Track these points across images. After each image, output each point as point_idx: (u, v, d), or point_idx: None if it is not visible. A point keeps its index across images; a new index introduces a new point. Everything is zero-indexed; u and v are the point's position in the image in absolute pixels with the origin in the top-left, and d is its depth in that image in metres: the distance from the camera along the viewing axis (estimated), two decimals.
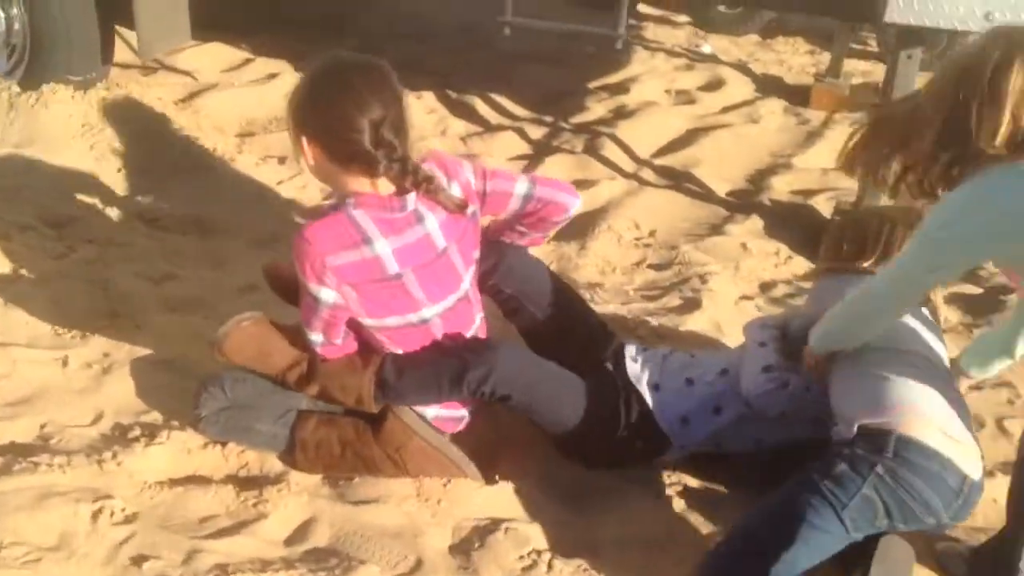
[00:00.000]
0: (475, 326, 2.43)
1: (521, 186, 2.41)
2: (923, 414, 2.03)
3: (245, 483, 2.31)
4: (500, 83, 5.45)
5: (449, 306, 2.32)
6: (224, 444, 2.38)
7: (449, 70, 5.57)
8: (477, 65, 5.82)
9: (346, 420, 2.37)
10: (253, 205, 3.76)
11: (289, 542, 2.16)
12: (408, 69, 5.39)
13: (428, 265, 2.24)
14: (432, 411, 2.38)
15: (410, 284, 2.23)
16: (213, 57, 5.17)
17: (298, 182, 3.97)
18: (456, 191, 2.29)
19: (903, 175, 2.10)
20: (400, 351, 2.32)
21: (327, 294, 2.17)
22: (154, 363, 2.64)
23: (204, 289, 3.09)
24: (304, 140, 2.18)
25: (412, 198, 2.19)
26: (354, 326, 2.30)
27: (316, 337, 2.27)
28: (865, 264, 2.59)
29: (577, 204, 2.48)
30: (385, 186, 2.19)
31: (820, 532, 1.99)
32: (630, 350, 2.52)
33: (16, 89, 4.00)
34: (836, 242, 2.72)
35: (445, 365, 2.29)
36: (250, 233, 3.54)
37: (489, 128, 4.89)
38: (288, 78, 5.04)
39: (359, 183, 2.18)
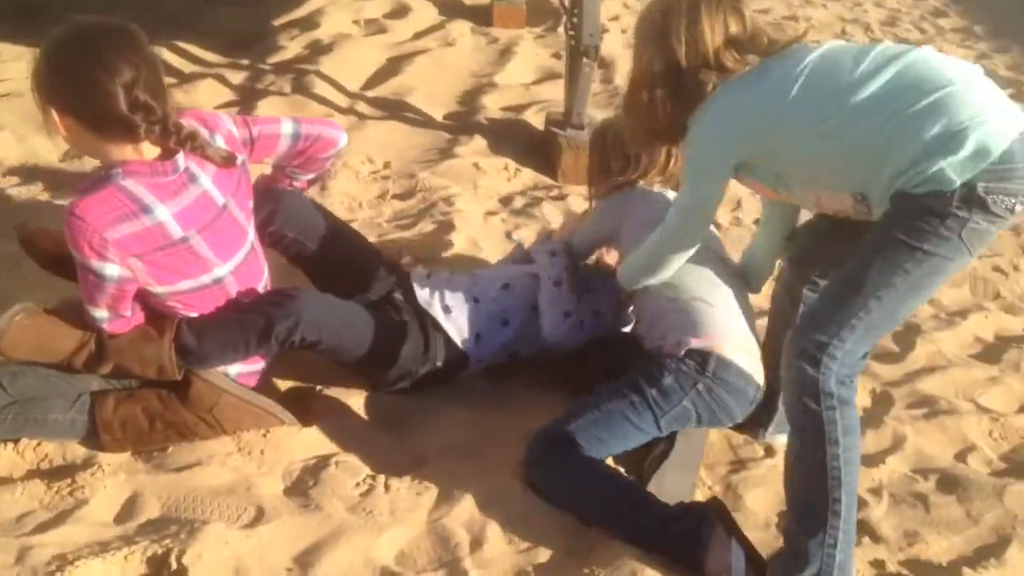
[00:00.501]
0: (264, 277, 2.43)
1: (287, 126, 2.41)
2: (735, 334, 2.37)
3: (52, 475, 2.18)
4: (185, 31, 5.19)
5: (239, 261, 2.30)
6: (16, 441, 2.22)
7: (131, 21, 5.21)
8: (158, 13, 5.49)
9: (147, 392, 2.29)
10: None
11: (120, 520, 2.09)
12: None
13: (212, 224, 2.20)
14: (235, 369, 2.36)
15: (198, 246, 2.18)
16: None
17: None
18: (220, 143, 2.25)
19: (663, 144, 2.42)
20: (195, 315, 2.27)
21: (112, 269, 2.08)
22: None
23: None
24: (54, 112, 2.05)
25: (181, 158, 2.14)
26: (141, 295, 2.22)
27: (101, 314, 2.17)
28: (635, 175, 2.71)
29: (344, 138, 2.52)
30: (150, 150, 2.12)
31: (636, 430, 2.32)
32: (417, 277, 2.63)
33: None
34: (603, 160, 2.78)
35: (249, 321, 2.27)
36: None
37: (187, 78, 4.65)
38: None
39: (122, 151, 2.09)
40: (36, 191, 3.40)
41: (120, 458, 2.26)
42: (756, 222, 3.39)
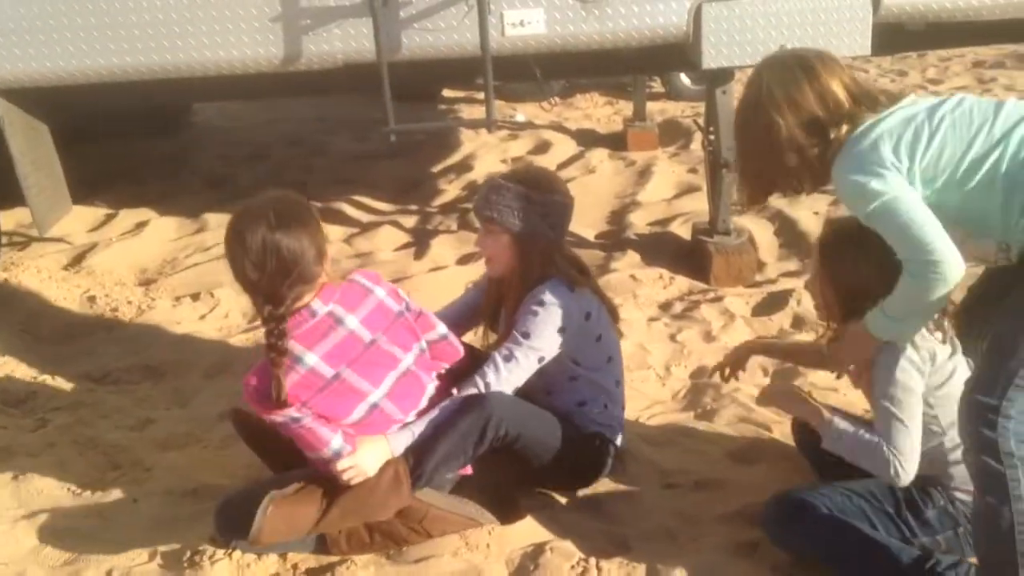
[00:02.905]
0: (424, 398, 2.66)
1: (441, 328, 2.70)
2: None
3: (313, 572, 2.54)
4: (354, 185, 5.84)
5: (391, 384, 2.54)
6: (282, 555, 2.60)
7: (302, 181, 5.91)
8: (323, 172, 6.19)
9: None
10: (188, 343, 3.94)
11: None
12: (264, 188, 5.78)
13: (359, 357, 2.47)
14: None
15: (350, 378, 2.46)
16: (74, 219, 5.26)
17: (219, 312, 4.19)
18: (383, 294, 2.54)
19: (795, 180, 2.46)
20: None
21: (292, 413, 2.37)
22: (180, 495, 2.82)
23: (185, 424, 3.27)
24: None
25: (317, 304, 2.40)
26: None
27: (337, 444, 2.44)
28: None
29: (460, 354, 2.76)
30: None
31: (872, 529, 2.38)
32: None
33: None
34: (850, 269, 2.42)
35: (463, 430, 2.54)
36: (198, 368, 3.73)
37: (366, 227, 5.25)
38: (157, 223, 5.25)
39: None
40: (260, 336, 3.93)
41: (367, 555, 2.61)
42: None
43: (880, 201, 2.15)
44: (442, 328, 2.70)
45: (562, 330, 2.68)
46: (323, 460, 2.46)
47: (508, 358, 2.67)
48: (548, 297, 2.68)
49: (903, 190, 2.14)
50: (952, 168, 2.14)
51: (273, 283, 2.31)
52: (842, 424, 2.42)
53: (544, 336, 2.67)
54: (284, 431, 2.44)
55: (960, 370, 2.36)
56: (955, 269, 2.11)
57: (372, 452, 2.49)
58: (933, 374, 2.34)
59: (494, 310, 2.91)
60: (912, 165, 2.16)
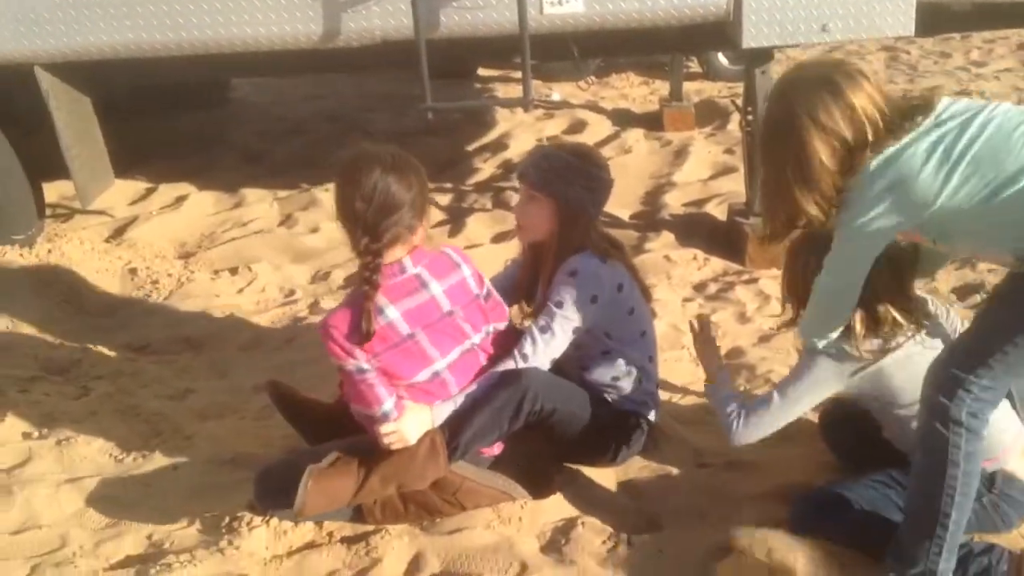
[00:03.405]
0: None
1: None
2: (1015, 444, 2.48)
3: (349, 540, 2.59)
4: None
5: (455, 358, 2.60)
6: (319, 523, 2.65)
7: (337, 159, 5.92)
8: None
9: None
10: (226, 315, 4.00)
11: (409, 574, 2.46)
12: (301, 164, 5.87)
13: (435, 324, 2.54)
14: None
15: (422, 341, 2.52)
16: (116, 192, 5.34)
17: (256, 286, 4.25)
18: (468, 273, 2.63)
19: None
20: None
21: (364, 363, 2.44)
22: (218, 464, 2.88)
23: (224, 395, 3.33)
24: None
25: (408, 261, 2.50)
26: None
27: (387, 406, 2.50)
28: None
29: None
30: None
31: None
32: None
33: None
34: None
35: (500, 404, 2.57)
36: (235, 341, 3.79)
37: None
38: (195, 197, 5.32)
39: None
40: (296, 310, 3.98)
41: (402, 524, 2.65)
42: None
43: (833, 266, 2.30)
44: (510, 323, 2.77)
45: (595, 299, 2.70)
46: (370, 418, 2.52)
47: (544, 329, 2.69)
48: (581, 267, 2.70)
49: (863, 264, 2.26)
50: (979, 190, 2.07)
51: (376, 218, 2.41)
52: (724, 384, 2.68)
53: (577, 305, 2.68)
54: (346, 380, 2.52)
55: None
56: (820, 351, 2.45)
57: (416, 420, 2.53)
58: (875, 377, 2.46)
59: (530, 283, 2.93)
60: (935, 200, 2.08)
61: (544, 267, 2.83)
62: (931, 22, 4.11)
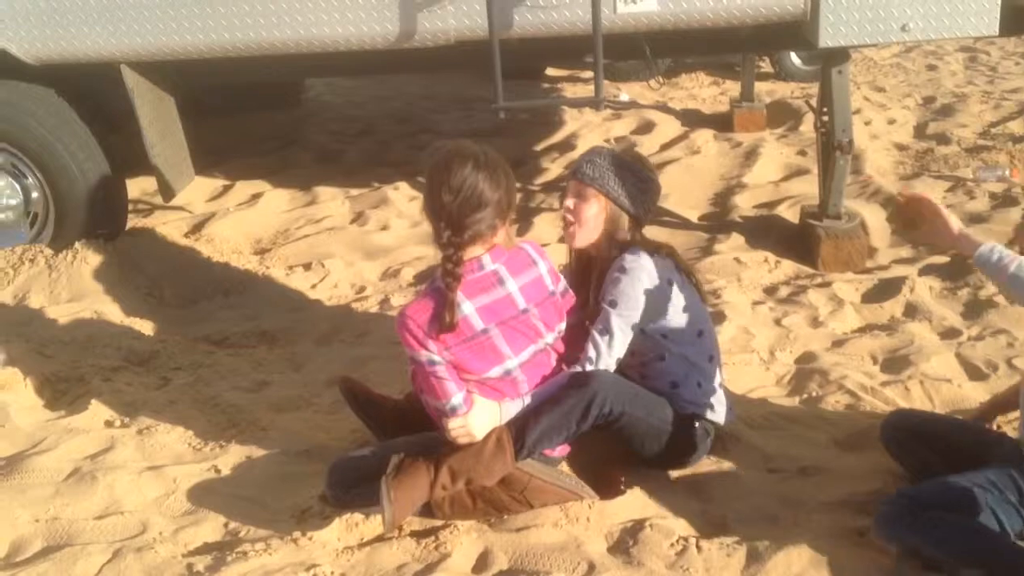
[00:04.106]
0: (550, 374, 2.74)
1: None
2: None
3: (419, 534, 2.62)
4: None
5: (527, 357, 2.62)
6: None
7: (407, 159, 6.02)
8: (428, 149, 6.28)
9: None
10: (300, 310, 4.08)
11: (477, 570, 2.48)
12: (372, 163, 5.96)
13: (509, 321, 2.57)
14: None
15: (496, 338, 2.55)
16: (195, 189, 5.49)
17: (329, 282, 4.33)
18: (545, 270, 2.67)
19: None
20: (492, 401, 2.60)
21: (436, 355, 2.48)
22: (292, 455, 2.94)
23: (299, 388, 3.40)
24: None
25: (487, 259, 2.54)
26: None
27: (457, 399, 2.54)
28: None
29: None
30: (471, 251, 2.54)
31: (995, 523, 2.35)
32: None
33: (48, 251, 4.26)
34: None
35: (569, 406, 2.60)
36: (309, 335, 3.87)
37: None
38: (270, 195, 5.43)
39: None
40: (368, 306, 4.05)
41: (470, 520, 2.68)
42: None
43: None
44: (579, 318, 2.78)
45: (647, 292, 2.71)
46: (439, 411, 2.55)
47: (603, 332, 2.71)
48: (629, 263, 2.72)
49: None
50: None
51: (461, 212, 2.45)
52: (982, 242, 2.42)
53: (631, 300, 2.70)
54: (418, 372, 2.56)
55: None
56: None
57: (484, 416, 2.56)
58: None
59: (578, 287, 2.92)
60: None
61: (593, 270, 2.86)
62: (1014, 22, 4.01)
